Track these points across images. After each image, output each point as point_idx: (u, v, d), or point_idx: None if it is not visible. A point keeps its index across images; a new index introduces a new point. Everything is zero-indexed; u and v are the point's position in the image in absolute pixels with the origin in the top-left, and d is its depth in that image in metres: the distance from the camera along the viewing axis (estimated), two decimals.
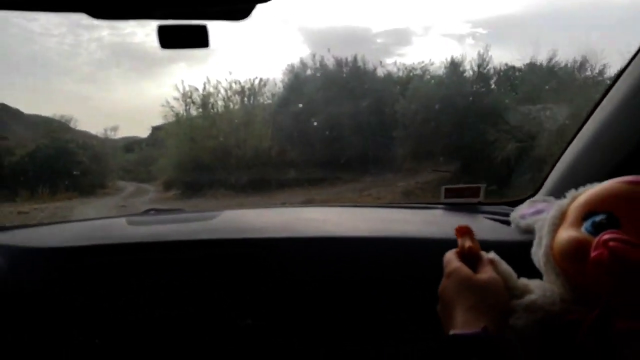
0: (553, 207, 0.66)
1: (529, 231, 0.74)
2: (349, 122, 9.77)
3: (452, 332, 0.57)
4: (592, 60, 7.29)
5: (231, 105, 11.24)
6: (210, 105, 11.10)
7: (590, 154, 0.98)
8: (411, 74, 10.50)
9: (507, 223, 0.93)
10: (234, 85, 11.08)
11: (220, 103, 11.20)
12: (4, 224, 1.33)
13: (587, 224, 0.58)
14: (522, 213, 0.79)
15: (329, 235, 1.00)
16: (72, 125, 15.88)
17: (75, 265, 0.93)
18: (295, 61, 11.95)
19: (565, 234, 0.60)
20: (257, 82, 11.13)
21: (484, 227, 1.03)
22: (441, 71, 9.45)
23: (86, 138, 14.37)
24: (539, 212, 0.76)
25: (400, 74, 10.82)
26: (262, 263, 0.95)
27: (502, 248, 0.70)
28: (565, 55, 8.03)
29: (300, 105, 10.42)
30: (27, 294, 0.88)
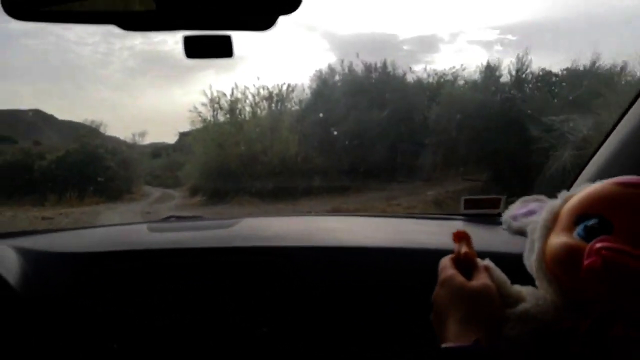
0: (545, 208, 0.66)
1: (521, 233, 0.73)
2: (376, 128, 9.73)
3: (444, 345, 0.57)
4: (634, 63, 7.09)
5: (258, 111, 11.39)
6: (237, 111, 11.27)
7: (622, 153, 0.97)
8: (442, 79, 10.43)
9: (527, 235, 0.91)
10: (261, 91, 11.23)
11: (247, 109, 11.36)
12: (28, 229, 1.40)
13: (580, 228, 0.57)
14: (513, 214, 0.77)
15: (345, 245, 1.02)
16: (101, 130, 16.47)
17: (96, 270, 0.97)
18: (323, 67, 12.05)
19: (557, 239, 0.59)
20: (285, 87, 11.26)
21: (502, 239, 1.02)
22: (476, 76, 9.32)
23: (115, 143, 14.87)
24: (531, 212, 0.73)
25: (431, 79, 10.76)
26: (279, 271, 0.97)
27: (521, 261, 0.69)
28: (606, 59, 7.83)
29: (328, 112, 10.46)
30: (49, 298, 0.93)
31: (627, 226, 0.54)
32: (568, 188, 1.09)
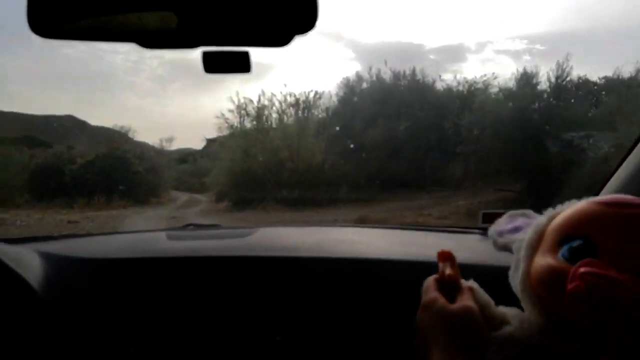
0: (531, 227, 0.65)
1: (507, 249, 0.72)
2: (405, 136, 9.68)
3: None
4: None
5: (285, 118, 11.49)
6: (264, 117, 11.39)
7: None
8: (472, 87, 10.30)
9: None
10: (288, 98, 11.35)
11: (274, 115, 11.48)
12: (52, 234, 1.48)
13: (564, 250, 0.57)
14: (500, 230, 0.76)
15: (359, 257, 1.03)
16: (130, 135, 16.98)
17: (115, 276, 1.02)
18: (351, 74, 12.07)
19: (542, 260, 0.59)
20: (312, 95, 11.34)
21: None
22: (511, 83, 9.09)
23: (143, 148, 15.28)
24: (517, 229, 0.72)
25: (461, 87, 10.65)
26: (293, 281, 1.00)
27: None
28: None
29: (355, 119, 10.46)
30: (69, 302, 0.98)
31: (611, 247, 0.53)
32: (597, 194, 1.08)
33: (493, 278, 0.71)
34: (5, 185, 10.75)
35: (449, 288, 0.66)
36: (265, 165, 10.29)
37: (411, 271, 0.89)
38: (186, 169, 17.22)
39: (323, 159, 10.40)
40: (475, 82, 10.40)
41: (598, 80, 8.52)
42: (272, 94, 11.30)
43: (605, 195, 0.60)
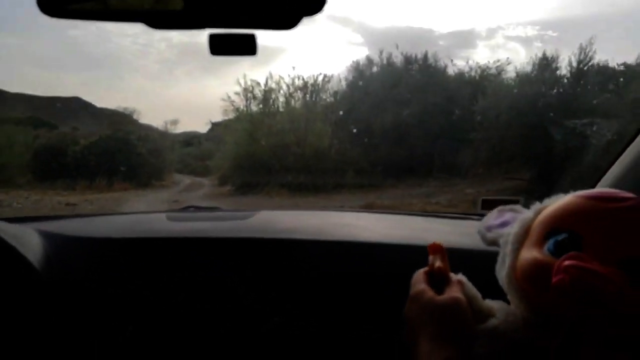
0: (517, 221, 0.67)
1: (495, 244, 0.73)
2: (414, 122, 9.59)
3: None
4: None
5: (292, 102, 11.40)
6: (271, 101, 11.29)
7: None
8: (485, 72, 10.18)
9: None
10: (296, 81, 11.24)
11: (281, 99, 11.37)
12: (51, 214, 1.51)
13: (550, 243, 0.58)
14: (488, 224, 0.77)
15: (357, 240, 1.05)
16: (135, 117, 17.04)
17: (114, 256, 1.04)
18: (361, 58, 11.93)
19: (528, 254, 0.60)
20: (320, 78, 11.22)
21: None
22: (529, 68, 8.86)
23: (147, 131, 15.31)
24: (505, 223, 0.74)
25: (473, 73, 10.52)
26: (292, 263, 1.02)
27: None
28: None
29: (364, 104, 10.39)
30: (69, 280, 1.01)
31: (596, 241, 0.55)
32: (594, 186, 1.09)
33: (489, 263, 0.73)
34: (8, 165, 10.84)
35: (438, 281, 0.68)
36: (271, 149, 10.24)
37: (409, 255, 0.91)
38: (190, 152, 17.28)
39: (330, 143, 10.35)
40: (488, 67, 10.27)
41: (616, 67, 8.33)
42: (280, 77, 11.19)
43: (591, 190, 0.61)
